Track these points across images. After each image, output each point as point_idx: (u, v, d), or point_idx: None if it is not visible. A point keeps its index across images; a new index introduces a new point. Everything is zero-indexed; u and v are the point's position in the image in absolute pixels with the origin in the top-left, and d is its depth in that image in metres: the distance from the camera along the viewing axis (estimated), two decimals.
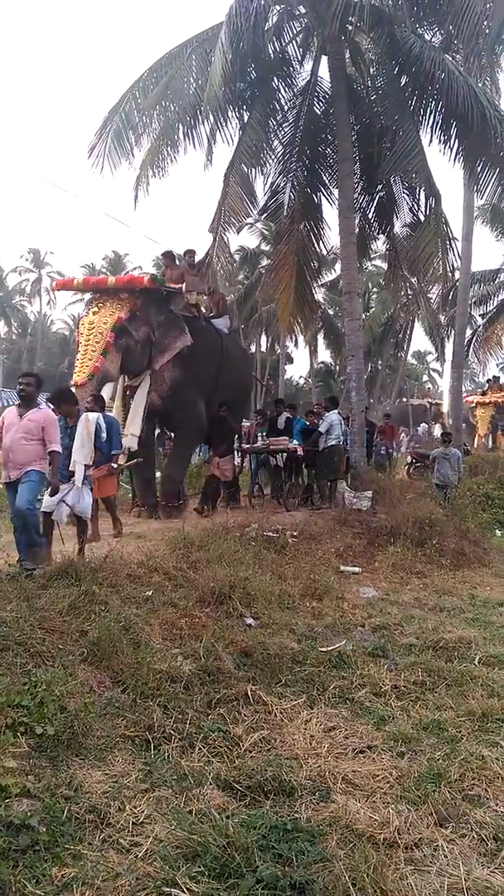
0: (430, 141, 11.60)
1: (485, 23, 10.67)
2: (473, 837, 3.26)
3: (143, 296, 9.89)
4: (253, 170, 12.41)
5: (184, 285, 10.55)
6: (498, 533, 12.68)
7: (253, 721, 4.34)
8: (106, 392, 9.19)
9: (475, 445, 21.65)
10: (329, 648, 5.76)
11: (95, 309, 9.78)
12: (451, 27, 11.65)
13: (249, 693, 4.64)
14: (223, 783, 3.59)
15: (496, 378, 24.04)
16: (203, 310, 11.31)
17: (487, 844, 3.21)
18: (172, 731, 4.04)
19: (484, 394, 23.42)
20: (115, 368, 9.47)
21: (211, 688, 4.68)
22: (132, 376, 10.09)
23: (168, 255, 11.61)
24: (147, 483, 10.80)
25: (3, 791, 3.04)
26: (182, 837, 3.00)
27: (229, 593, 6.31)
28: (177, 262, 11.75)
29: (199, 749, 3.93)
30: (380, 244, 16.49)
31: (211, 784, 3.55)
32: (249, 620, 6.11)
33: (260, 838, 3.04)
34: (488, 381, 24.61)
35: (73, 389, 8.34)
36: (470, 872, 2.98)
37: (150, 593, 6.00)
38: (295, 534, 9.24)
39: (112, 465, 8.44)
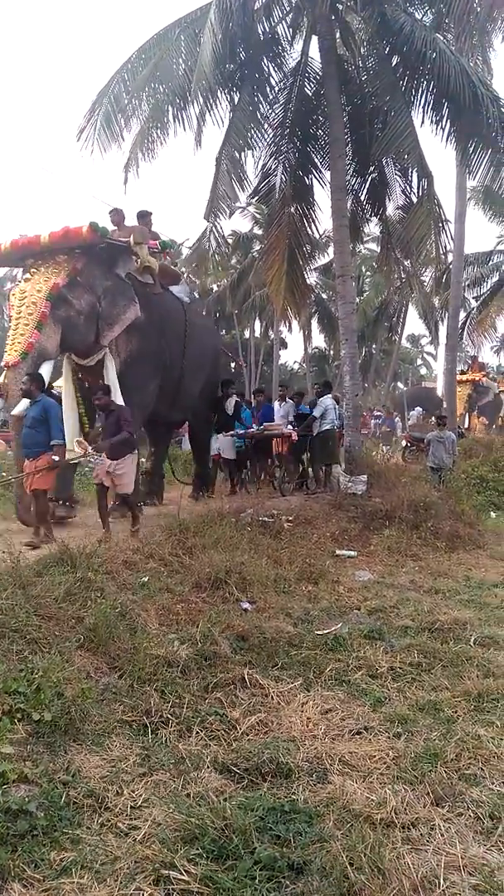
0: (422, 121, 11.50)
1: (475, 1, 10.55)
2: (470, 816, 3.29)
3: (84, 257, 8.50)
4: (244, 153, 12.29)
5: (131, 237, 9.11)
6: (493, 515, 12.72)
7: (250, 704, 4.37)
8: (44, 372, 7.95)
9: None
10: (325, 631, 5.78)
11: (28, 276, 8.40)
12: (441, 6, 11.52)
13: (246, 677, 4.66)
14: (221, 766, 3.61)
15: (475, 358, 24.00)
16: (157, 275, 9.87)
17: (483, 822, 3.24)
18: (170, 716, 4.06)
19: (463, 373, 23.36)
20: (54, 345, 8.09)
21: (208, 672, 4.70)
22: (81, 355, 8.77)
23: (117, 213, 9.72)
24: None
25: (1, 777, 3.06)
26: (180, 820, 3.02)
27: (225, 578, 6.33)
28: (126, 223, 9.93)
29: (197, 733, 3.95)
30: (373, 227, 16.36)
31: (208, 767, 3.57)
32: (246, 605, 6.13)
33: (258, 820, 3.07)
34: (471, 358, 24.61)
35: (5, 370, 7.64)
36: (466, 850, 3.01)
37: (146, 579, 6.01)
38: (290, 518, 9.25)
39: (53, 457, 7.32)
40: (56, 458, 7.35)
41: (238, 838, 2.90)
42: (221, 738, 3.93)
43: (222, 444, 11.20)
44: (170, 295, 10.23)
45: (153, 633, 5.05)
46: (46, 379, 7.99)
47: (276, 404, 12.75)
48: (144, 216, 10.11)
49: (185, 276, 47.45)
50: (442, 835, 3.11)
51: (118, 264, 8.93)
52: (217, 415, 11.42)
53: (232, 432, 11.38)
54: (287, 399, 12.84)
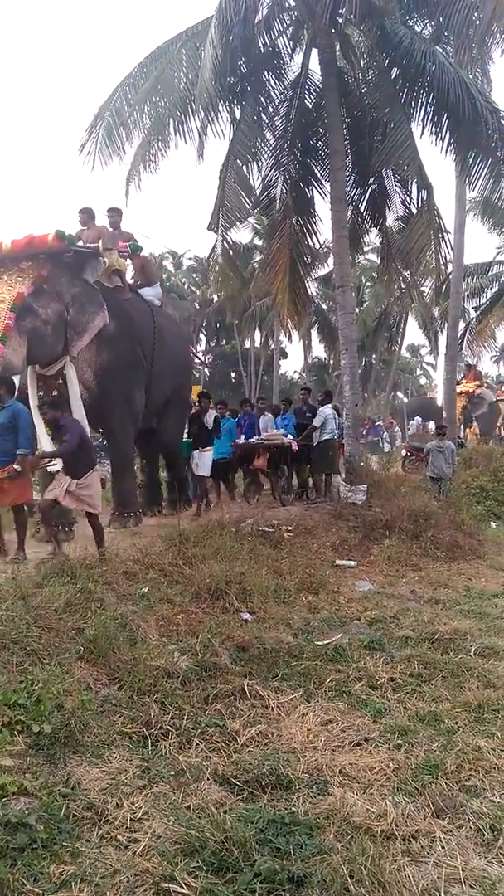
0: (422, 133, 11.55)
1: (474, 14, 10.63)
2: (470, 828, 3.28)
3: (49, 263, 8.10)
4: (248, 165, 12.38)
5: (99, 243, 8.73)
6: (493, 525, 12.72)
7: (250, 716, 4.36)
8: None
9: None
10: (325, 642, 5.78)
11: None
12: (441, 19, 11.60)
13: (246, 688, 4.66)
14: (221, 778, 3.60)
15: (470, 366, 23.90)
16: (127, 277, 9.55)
17: (484, 834, 3.23)
18: (170, 727, 4.05)
19: (458, 383, 23.29)
20: (20, 358, 7.67)
21: (208, 683, 4.70)
22: (43, 365, 8.31)
23: (86, 212, 9.27)
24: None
25: (1, 790, 3.05)
26: (180, 833, 3.01)
27: (225, 589, 6.34)
28: (96, 222, 9.51)
29: (197, 744, 3.94)
30: (372, 237, 16.45)
31: (209, 779, 3.56)
32: (246, 615, 6.12)
33: (258, 832, 3.06)
34: (467, 366, 24.49)
35: None
36: (467, 863, 3.00)
37: (146, 590, 6.01)
38: (290, 528, 9.25)
39: (15, 467, 6.89)
40: (17, 467, 6.92)
41: (238, 851, 2.89)
42: (221, 750, 3.92)
43: (199, 461, 10.39)
44: (138, 298, 9.75)
45: (153, 643, 5.05)
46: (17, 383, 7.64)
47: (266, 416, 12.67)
48: (114, 212, 9.75)
49: (186, 285, 47.67)
50: (442, 847, 3.11)
51: (86, 270, 8.55)
52: (195, 428, 10.56)
53: (229, 444, 11.20)
54: (266, 413, 12.73)
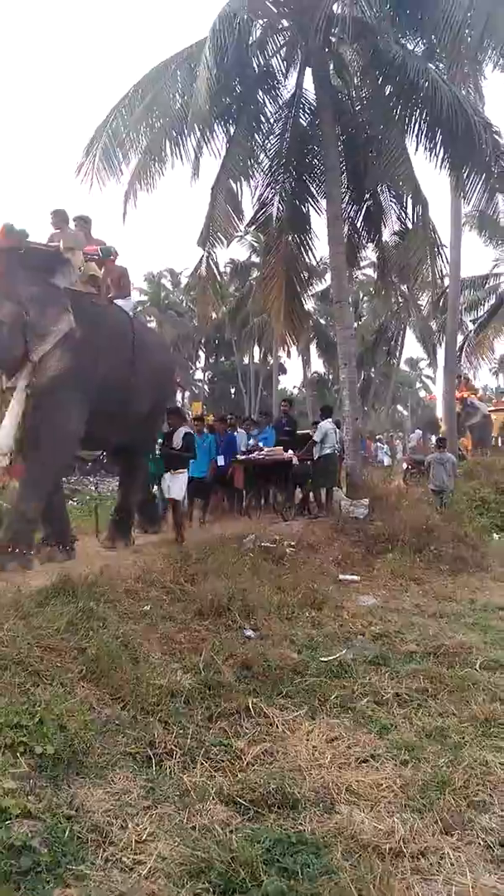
0: (417, 149, 11.68)
1: (465, 31, 10.77)
2: (479, 844, 3.24)
3: (3, 259, 7.54)
4: (240, 183, 12.49)
5: (61, 242, 8.15)
6: (496, 537, 12.66)
7: (255, 734, 4.32)
8: None
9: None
10: (329, 658, 5.73)
11: None
12: (432, 36, 11.76)
13: (250, 706, 4.62)
14: (226, 798, 3.56)
15: (466, 378, 23.84)
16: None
17: (494, 851, 3.19)
18: (174, 747, 4.01)
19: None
20: None
21: (212, 702, 4.66)
22: (7, 374, 7.61)
23: (58, 215, 8.72)
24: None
25: (4, 812, 3.01)
26: (186, 854, 2.98)
27: (228, 605, 6.30)
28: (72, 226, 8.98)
29: (202, 764, 3.89)
30: (369, 253, 16.57)
31: (214, 799, 3.52)
32: (249, 632, 6.09)
33: (264, 852, 3.02)
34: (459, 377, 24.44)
35: None
36: (477, 880, 2.95)
37: (148, 608, 5.99)
38: (292, 543, 9.23)
39: None
40: None
41: (245, 871, 2.85)
42: (226, 769, 3.88)
43: (171, 483, 9.41)
44: (115, 308, 9.10)
45: (156, 662, 5.01)
46: None
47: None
48: (83, 221, 9.15)
49: (184, 303, 47.88)
50: (452, 864, 3.06)
51: (55, 274, 7.86)
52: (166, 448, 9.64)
53: (206, 462, 10.81)
54: (238, 429, 12.61)
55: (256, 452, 11.78)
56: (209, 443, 11.50)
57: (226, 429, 12.29)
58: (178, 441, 9.38)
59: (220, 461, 11.49)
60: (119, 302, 9.26)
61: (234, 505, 12.47)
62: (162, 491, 9.97)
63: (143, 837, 3.13)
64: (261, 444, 12.18)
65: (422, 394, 57.17)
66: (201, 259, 12.80)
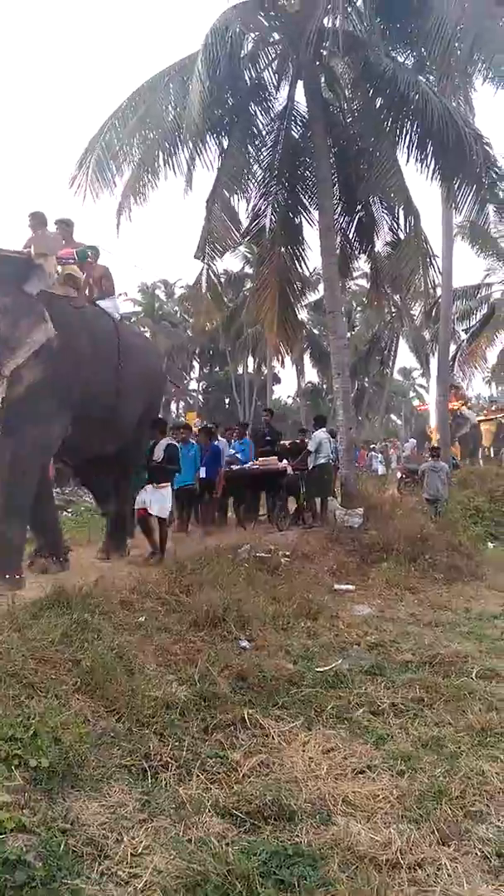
0: (408, 160, 11.77)
1: (455, 44, 10.88)
2: (476, 855, 3.23)
3: None
4: (235, 195, 12.58)
5: (32, 248, 7.69)
6: (490, 546, 12.68)
7: (250, 745, 4.30)
8: None
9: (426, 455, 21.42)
10: (325, 668, 5.72)
11: None
12: (423, 49, 11.89)
13: (246, 717, 4.60)
14: (222, 810, 3.54)
15: (456, 388, 23.86)
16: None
17: (491, 861, 3.18)
18: (169, 759, 3.99)
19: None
20: None
21: (207, 713, 4.64)
22: None
23: (35, 217, 8.22)
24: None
25: None
26: (182, 867, 2.96)
27: (223, 616, 6.28)
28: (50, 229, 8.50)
29: (197, 776, 3.87)
30: (362, 263, 16.67)
31: (210, 811, 3.50)
32: (244, 643, 6.06)
33: (261, 865, 3.00)
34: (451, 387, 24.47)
35: None
36: (474, 890, 2.95)
37: (143, 619, 5.97)
38: (287, 553, 9.21)
39: None
40: None
41: (241, 884, 2.84)
42: (222, 781, 3.86)
43: (152, 499, 8.92)
44: (97, 310, 8.68)
45: (151, 674, 4.99)
46: None
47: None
48: (64, 224, 8.79)
49: (178, 314, 47.93)
50: (449, 875, 3.05)
51: (28, 280, 7.50)
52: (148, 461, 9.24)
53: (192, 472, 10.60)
54: (218, 438, 12.28)
55: (251, 463, 11.78)
56: (195, 452, 11.25)
57: (209, 440, 11.84)
58: (159, 454, 9.00)
59: (203, 473, 11.21)
60: (103, 303, 8.93)
61: (219, 516, 12.27)
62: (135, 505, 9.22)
63: (139, 851, 3.11)
64: (238, 456, 12.06)
65: (415, 402, 57.36)
66: (201, 271, 12.87)
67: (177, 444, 9.68)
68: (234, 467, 11.71)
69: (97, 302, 8.86)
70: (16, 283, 7.38)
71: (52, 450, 7.89)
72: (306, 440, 12.68)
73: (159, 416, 10.08)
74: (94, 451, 8.83)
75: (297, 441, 13.76)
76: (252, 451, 12.38)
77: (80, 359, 7.85)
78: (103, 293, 9.04)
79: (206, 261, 12.56)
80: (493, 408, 27.26)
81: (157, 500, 8.93)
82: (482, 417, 24.60)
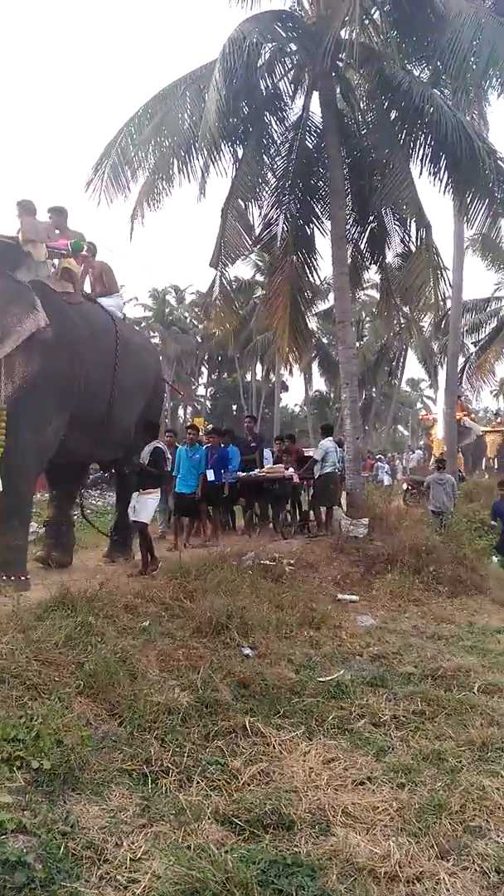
0: (421, 173, 11.81)
1: (471, 59, 10.93)
2: (475, 870, 3.22)
3: None
4: (249, 203, 12.65)
5: (19, 234, 7.45)
6: (494, 559, 12.63)
7: (251, 753, 4.30)
8: None
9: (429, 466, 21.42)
10: (327, 678, 5.72)
11: None
12: (438, 63, 11.93)
13: (248, 725, 4.60)
14: (222, 817, 3.54)
15: (459, 398, 23.84)
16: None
17: (490, 877, 3.17)
18: (170, 765, 4.00)
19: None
20: None
21: (209, 720, 4.64)
22: None
23: (22, 206, 7.79)
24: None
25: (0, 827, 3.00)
26: (180, 873, 2.96)
27: (226, 623, 6.29)
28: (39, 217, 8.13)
29: (197, 783, 3.88)
30: (372, 274, 16.72)
31: (209, 818, 3.50)
32: (247, 650, 6.07)
33: (259, 873, 3.00)
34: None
35: None
36: None
37: (146, 624, 5.98)
38: (292, 562, 9.22)
39: None
40: None
41: (239, 892, 2.84)
42: (222, 789, 3.86)
43: (136, 504, 8.49)
44: (95, 307, 8.42)
45: (154, 679, 5.00)
46: None
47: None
48: (57, 212, 8.43)
49: (188, 319, 48.07)
50: (447, 889, 3.05)
51: (18, 268, 7.34)
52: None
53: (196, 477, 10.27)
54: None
55: (257, 470, 11.79)
56: (200, 455, 10.81)
57: (220, 442, 11.48)
58: (146, 457, 8.48)
59: (210, 476, 10.77)
60: (105, 301, 8.69)
61: (226, 524, 12.12)
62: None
63: (138, 856, 3.12)
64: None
65: (423, 413, 57.33)
66: (214, 279, 12.93)
67: (164, 447, 9.12)
68: (241, 474, 11.69)
69: (98, 299, 8.65)
70: (4, 270, 7.19)
71: (50, 450, 7.67)
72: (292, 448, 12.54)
73: (158, 420, 9.74)
74: (85, 454, 8.51)
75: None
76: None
77: (73, 354, 7.59)
78: (105, 290, 8.81)
79: (220, 268, 12.62)
80: (500, 420, 27.25)
81: (142, 507, 8.48)
82: (488, 429, 24.58)
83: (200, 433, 12.86)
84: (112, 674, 4.68)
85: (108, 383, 8.17)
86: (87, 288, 8.93)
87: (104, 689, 4.54)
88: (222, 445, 11.54)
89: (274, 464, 11.91)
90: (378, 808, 3.73)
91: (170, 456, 10.10)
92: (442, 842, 3.39)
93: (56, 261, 7.93)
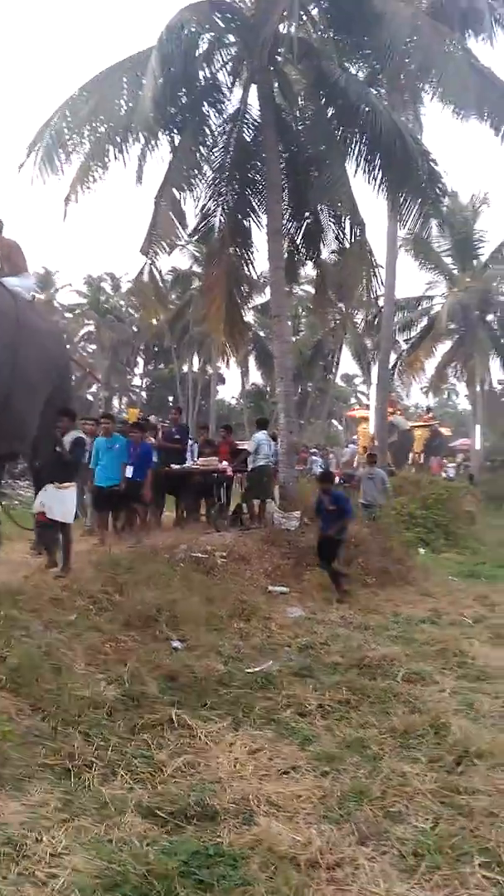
0: (356, 171, 11.96)
1: (406, 60, 11.13)
2: (394, 854, 3.30)
3: None
4: (183, 193, 12.53)
5: None
6: (421, 551, 12.98)
7: (177, 746, 4.30)
8: None
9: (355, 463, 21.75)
10: (255, 669, 5.77)
11: None
12: (375, 63, 12.11)
13: (174, 717, 4.60)
14: (145, 810, 3.53)
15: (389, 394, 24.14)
16: None
17: (407, 860, 3.26)
18: (94, 759, 3.95)
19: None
20: None
21: (135, 713, 4.62)
22: None
23: None
24: None
25: None
26: (101, 867, 2.93)
27: (156, 616, 6.28)
28: None
29: (122, 776, 3.85)
30: (308, 269, 16.84)
31: (132, 811, 3.48)
32: (176, 643, 6.07)
33: (181, 864, 3.00)
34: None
35: None
36: (391, 889, 3.01)
37: (73, 617, 5.89)
38: (224, 555, 9.22)
39: None
40: None
41: (160, 884, 2.84)
42: (147, 782, 3.85)
43: (51, 500, 7.61)
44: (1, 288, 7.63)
45: (79, 673, 4.94)
46: None
47: None
48: None
49: (125, 308, 47.37)
50: (366, 874, 3.11)
51: None
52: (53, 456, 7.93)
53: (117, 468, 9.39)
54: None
55: (191, 462, 11.73)
56: (121, 446, 9.72)
57: (142, 438, 10.21)
58: (66, 447, 7.77)
59: (129, 472, 9.60)
60: (11, 281, 7.90)
61: (155, 517, 11.81)
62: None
63: (59, 851, 3.07)
64: None
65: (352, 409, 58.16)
66: (143, 266, 12.76)
67: (85, 436, 8.50)
68: (175, 466, 11.59)
69: (3, 279, 7.82)
70: None
71: None
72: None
73: (68, 405, 8.64)
74: None
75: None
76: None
77: None
78: (12, 270, 8.02)
79: (149, 256, 12.47)
80: (430, 415, 27.93)
81: (58, 501, 7.65)
82: (417, 423, 25.09)
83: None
84: (36, 668, 4.60)
85: (4, 370, 7.24)
86: None
87: (28, 684, 4.46)
88: (143, 441, 10.40)
89: (197, 456, 11.86)
90: (301, 796, 3.79)
91: (88, 448, 9.36)
92: (362, 828, 3.46)
93: None
